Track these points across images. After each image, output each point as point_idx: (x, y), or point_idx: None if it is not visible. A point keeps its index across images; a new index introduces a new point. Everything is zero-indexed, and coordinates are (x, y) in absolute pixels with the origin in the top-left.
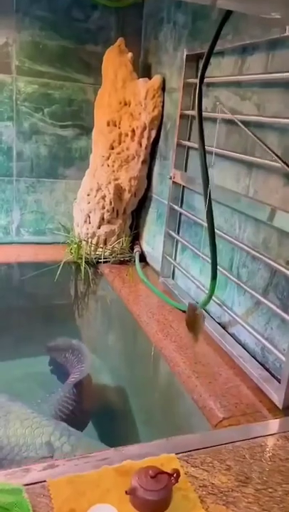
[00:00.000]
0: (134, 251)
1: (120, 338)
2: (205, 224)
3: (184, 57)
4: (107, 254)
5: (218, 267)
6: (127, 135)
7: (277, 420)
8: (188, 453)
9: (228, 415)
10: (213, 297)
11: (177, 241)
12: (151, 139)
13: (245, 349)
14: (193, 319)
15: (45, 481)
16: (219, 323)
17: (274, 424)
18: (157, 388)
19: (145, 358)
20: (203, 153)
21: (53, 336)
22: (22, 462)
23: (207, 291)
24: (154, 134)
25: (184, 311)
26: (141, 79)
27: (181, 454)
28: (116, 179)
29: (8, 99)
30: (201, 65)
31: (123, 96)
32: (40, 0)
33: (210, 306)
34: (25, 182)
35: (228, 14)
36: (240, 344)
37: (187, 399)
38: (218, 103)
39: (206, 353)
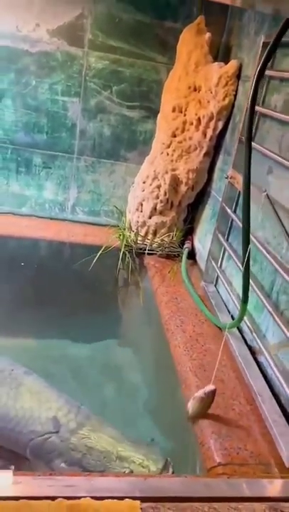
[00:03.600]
0: (184, 247)
1: (139, 340)
2: (254, 238)
3: (261, 43)
4: (155, 246)
5: (255, 288)
6: (191, 123)
7: (281, 481)
8: (157, 503)
9: (226, 461)
10: (248, 318)
11: (225, 247)
12: (217, 131)
13: (268, 385)
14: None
15: None
16: (250, 348)
17: (275, 486)
18: (162, 405)
19: (158, 370)
20: (249, 154)
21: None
22: (27, 435)
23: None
24: (221, 125)
25: (218, 327)
26: (215, 63)
27: (146, 504)
28: (173, 169)
29: (78, 74)
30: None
31: (193, 80)
32: None
33: (243, 324)
34: (86, 161)
35: None
36: (265, 378)
37: (190, 429)
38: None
39: (225, 379)
